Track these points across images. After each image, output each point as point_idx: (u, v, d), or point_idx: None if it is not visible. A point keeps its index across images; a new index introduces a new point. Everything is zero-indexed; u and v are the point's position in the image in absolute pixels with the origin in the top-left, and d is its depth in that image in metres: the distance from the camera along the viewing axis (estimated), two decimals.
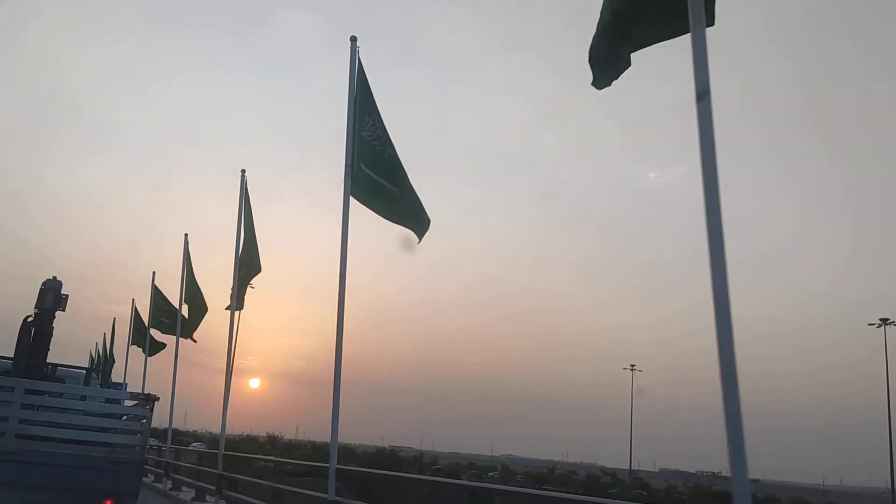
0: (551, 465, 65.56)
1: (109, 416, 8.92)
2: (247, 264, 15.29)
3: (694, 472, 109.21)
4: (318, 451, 47.98)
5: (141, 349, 22.91)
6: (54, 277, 9.64)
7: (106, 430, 8.70)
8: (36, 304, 9.67)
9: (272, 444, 39.93)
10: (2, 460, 7.75)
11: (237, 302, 15.35)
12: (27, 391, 8.13)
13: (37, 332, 9.72)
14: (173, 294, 20.87)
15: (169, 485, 17.91)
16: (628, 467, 72.70)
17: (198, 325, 18.90)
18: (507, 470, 60.85)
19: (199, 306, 18.83)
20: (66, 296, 9.64)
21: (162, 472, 19.16)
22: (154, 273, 22.90)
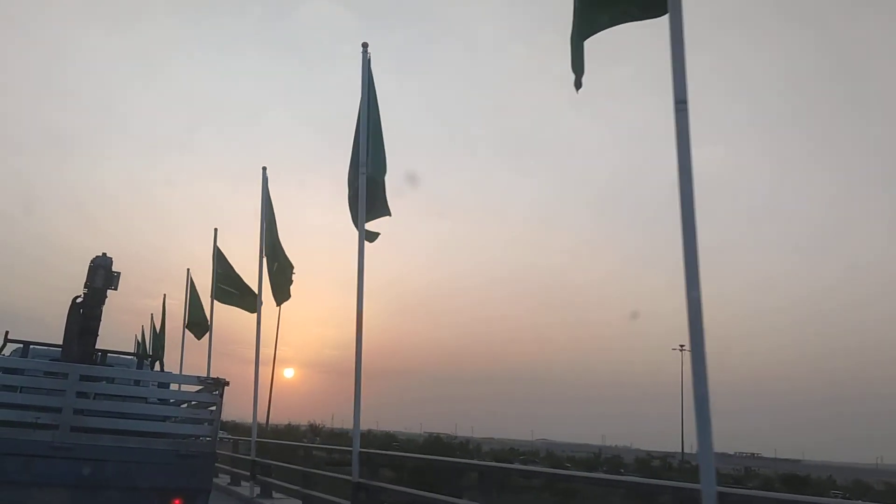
0: (597, 450, 63.97)
1: (175, 403, 7.92)
2: (277, 259, 14.77)
3: (732, 453, 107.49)
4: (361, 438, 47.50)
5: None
6: (104, 254, 8.64)
7: (171, 419, 7.70)
8: (85, 284, 8.70)
9: (314, 432, 39.23)
10: (56, 457, 6.76)
11: (281, 294, 14.78)
12: (82, 378, 7.13)
13: (86, 314, 8.77)
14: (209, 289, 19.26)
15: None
16: (673, 450, 71.27)
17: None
18: (551, 455, 59.36)
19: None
20: (118, 273, 8.62)
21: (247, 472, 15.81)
22: (188, 269, 22.17)
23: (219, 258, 18.49)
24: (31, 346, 8.85)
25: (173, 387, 8.57)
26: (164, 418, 7.74)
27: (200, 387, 7.62)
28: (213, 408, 7.46)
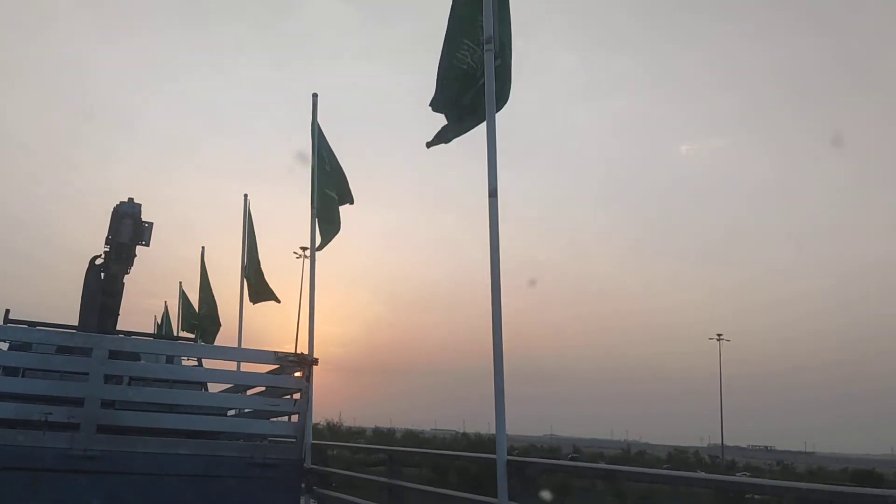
0: (625, 445, 61.71)
1: (242, 391, 5.70)
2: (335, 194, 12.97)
3: (746, 446, 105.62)
4: (378, 435, 45.51)
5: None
6: (130, 199, 6.36)
7: (240, 413, 5.51)
8: (107, 238, 6.41)
9: (331, 431, 37.01)
10: (78, 470, 4.53)
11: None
12: (112, 355, 4.88)
13: (107, 280, 6.53)
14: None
15: None
16: (683, 444, 69.14)
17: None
18: (577, 451, 56.81)
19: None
20: (150, 224, 6.32)
21: None
22: (203, 248, 20.26)
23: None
24: (37, 328, 6.61)
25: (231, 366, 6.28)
26: (229, 413, 5.52)
27: (277, 367, 5.36)
28: (299, 396, 5.21)
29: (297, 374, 5.21)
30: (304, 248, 13.49)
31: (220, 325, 17.68)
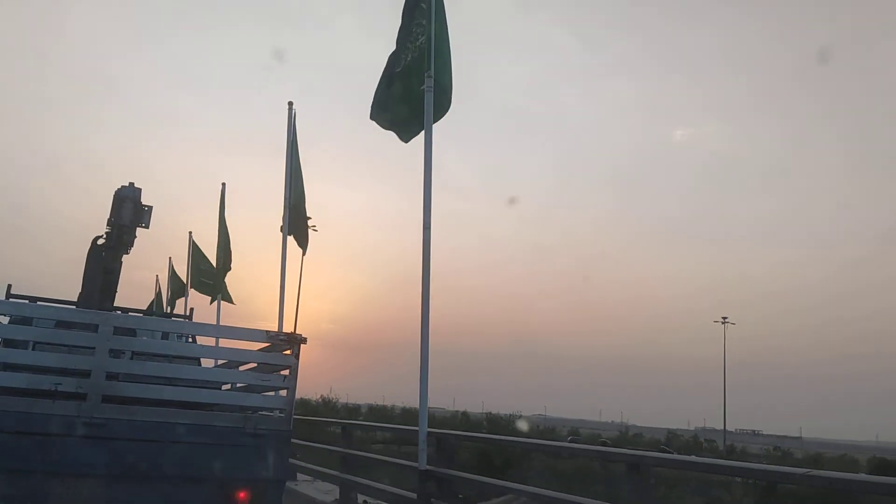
0: (623, 428, 61.79)
1: (234, 366, 6.14)
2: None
3: (733, 430, 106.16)
4: (375, 412, 46.14)
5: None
6: (131, 184, 6.82)
7: (234, 388, 5.95)
8: (109, 221, 6.88)
9: (326, 406, 37.64)
10: (85, 436, 4.98)
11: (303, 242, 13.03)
12: (117, 331, 5.31)
13: (107, 260, 6.99)
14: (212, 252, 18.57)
15: None
16: (672, 427, 69.35)
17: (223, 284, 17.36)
18: (574, 433, 56.43)
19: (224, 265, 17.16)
20: (150, 207, 6.81)
21: None
22: (190, 233, 20.77)
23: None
24: (38, 303, 7.03)
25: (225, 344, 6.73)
26: (224, 386, 5.96)
27: (268, 344, 5.80)
28: (288, 372, 5.65)
29: (287, 351, 5.65)
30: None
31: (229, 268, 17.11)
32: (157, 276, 27.08)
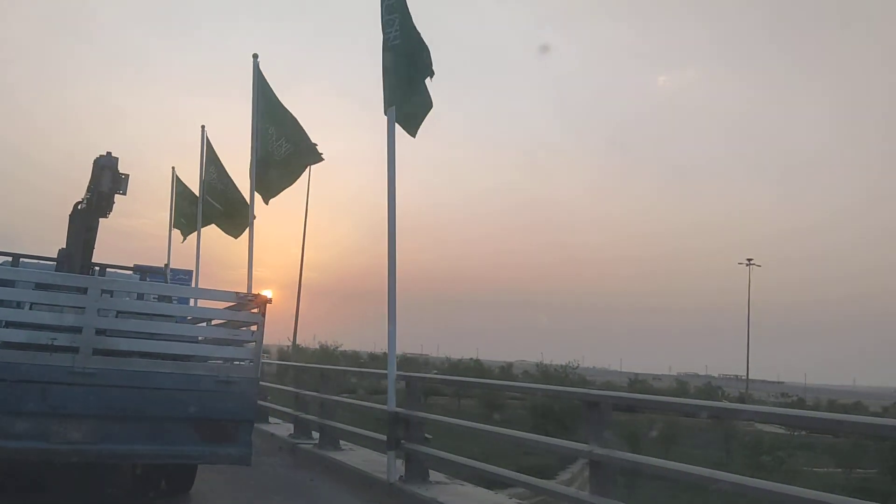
0: (633, 377, 62.26)
1: (208, 323, 6.95)
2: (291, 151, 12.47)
3: (717, 375, 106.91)
4: (373, 359, 47.40)
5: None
6: (108, 153, 7.45)
7: (207, 341, 6.75)
8: (88, 188, 7.55)
9: (325, 353, 38.86)
10: (78, 384, 5.81)
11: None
12: (104, 293, 6.10)
13: (88, 218, 7.64)
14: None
15: None
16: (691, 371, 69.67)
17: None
18: (610, 385, 55.46)
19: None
20: (126, 175, 7.45)
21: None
22: (174, 168, 18.41)
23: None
24: (21, 260, 7.82)
25: (202, 304, 7.56)
26: (199, 340, 6.78)
27: (236, 303, 6.61)
28: (255, 328, 6.47)
29: (254, 310, 6.45)
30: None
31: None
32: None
